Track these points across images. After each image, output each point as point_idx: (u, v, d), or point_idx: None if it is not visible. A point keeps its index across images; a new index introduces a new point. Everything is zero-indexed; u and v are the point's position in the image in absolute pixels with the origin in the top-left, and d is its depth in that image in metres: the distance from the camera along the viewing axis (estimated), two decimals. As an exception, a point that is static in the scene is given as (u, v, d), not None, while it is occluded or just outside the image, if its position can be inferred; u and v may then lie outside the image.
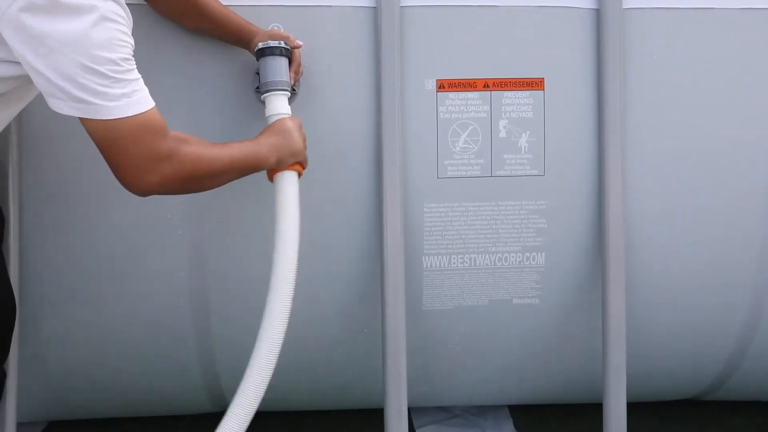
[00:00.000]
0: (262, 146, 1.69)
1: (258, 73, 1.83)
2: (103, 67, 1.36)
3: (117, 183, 1.89)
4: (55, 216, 1.93)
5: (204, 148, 1.58)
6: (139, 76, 1.46)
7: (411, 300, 2.03)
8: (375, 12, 1.90)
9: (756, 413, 2.54)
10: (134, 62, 1.44)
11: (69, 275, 1.97)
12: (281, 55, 1.79)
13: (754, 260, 2.07)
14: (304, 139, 1.77)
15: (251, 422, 2.44)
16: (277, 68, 1.79)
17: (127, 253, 1.96)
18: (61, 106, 1.39)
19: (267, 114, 1.79)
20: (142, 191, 1.53)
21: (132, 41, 1.44)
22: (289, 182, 1.75)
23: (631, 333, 2.02)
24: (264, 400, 2.30)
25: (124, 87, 1.41)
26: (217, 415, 2.38)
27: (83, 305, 2.00)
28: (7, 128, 1.86)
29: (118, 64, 1.39)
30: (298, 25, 1.88)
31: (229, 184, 1.85)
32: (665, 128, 1.99)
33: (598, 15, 1.95)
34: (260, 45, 1.79)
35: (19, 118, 1.85)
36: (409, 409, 2.28)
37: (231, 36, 1.85)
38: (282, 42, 1.79)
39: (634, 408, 2.15)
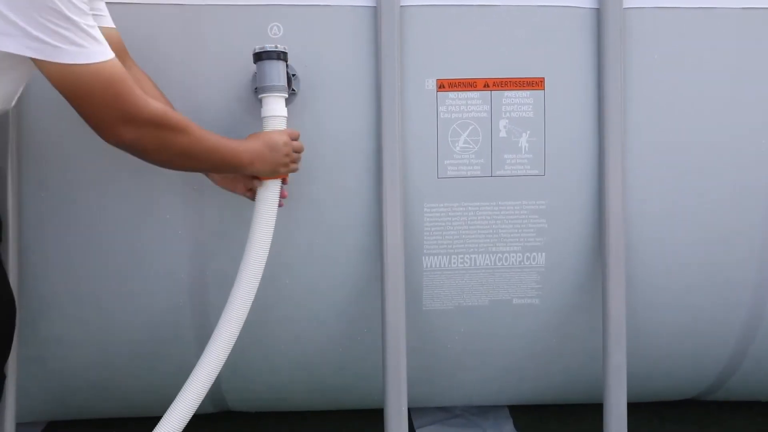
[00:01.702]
0: (245, 151, 1.71)
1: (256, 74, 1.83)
2: (65, 9, 1.35)
3: (117, 183, 1.91)
4: (55, 216, 1.93)
5: (184, 120, 1.60)
6: (95, 23, 1.44)
7: (411, 300, 2.03)
8: (375, 12, 1.90)
9: (756, 413, 2.54)
10: (89, 7, 1.43)
11: (68, 275, 1.97)
12: (278, 58, 1.79)
13: (754, 260, 2.07)
14: (289, 154, 1.78)
15: (251, 422, 2.45)
16: (274, 71, 1.79)
17: (127, 253, 1.96)
18: (12, 45, 1.36)
19: (263, 115, 1.80)
20: (118, 142, 1.53)
21: None
22: (271, 191, 1.79)
23: (631, 333, 2.03)
24: (264, 400, 2.32)
25: (86, 32, 1.40)
26: (218, 416, 2.39)
27: (83, 305, 2.00)
28: (6, 128, 1.85)
29: (77, 6, 1.37)
30: (298, 25, 1.88)
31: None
32: (665, 128, 1.99)
33: (599, 14, 1.95)
34: (257, 49, 1.79)
35: (19, 118, 1.85)
36: (409, 409, 2.28)
37: None
38: (278, 45, 1.79)
39: (634, 408, 2.15)
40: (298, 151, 1.82)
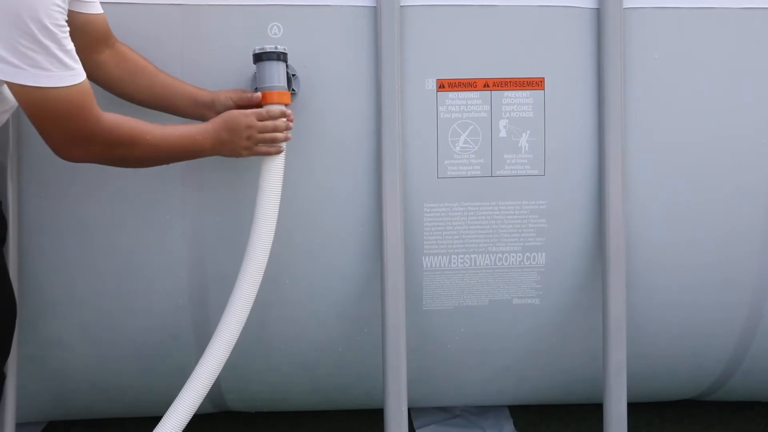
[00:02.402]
0: (205, 138, 1.72)
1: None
2: (38, 33, 1.38)
3: (116, 183, 1.91)
4: (55, 216, 1.93)
5: (136, 127, 1.63)
6: (72, 47, 1.48)
7: (411, 300, 2.03)
8: (375, 12, 1.90)
9: (756, 413, 2.54)
10: (68, 29, 1.46)
11: (68, 276, 1.97)
12: (278, 59, 1.79)
13: (754, 260, 2.07)
14: (251, 137, 1.76)
15: (251, 422, 2.45)
16: (274, 72, 1.79)
17: (127, 253, 1.96)
18: None
19: None
20: (71, 160, 1.59)
21: (66, 7, 1.46)
22: (272, 191, 1.79)
23: (631, 332, 2.03)
24: (264, 400, 2.32)
25: (55, 56, 1.43)
26: (218, 415, 2.39)
27: (83, 306, 2.00)
28: (7, 128, 1.85)
29: (50, 31, 1.40)
30: (298, 25, 1.88)
31: (229, 184, 1.86)
32: (665, 127, 1.98)
33: (599, 14, 1.95)
34: (257, 49, 1.79)
35: (19, 118, 1.85)
36: (409, 409, 2.28)
37: (185, 98, 1.82)
38: (278, 46, 1.79)
39: (634, 408, 2.15)
40: (271, 130, 1.78)
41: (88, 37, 1.72)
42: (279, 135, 1.79)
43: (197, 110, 1.82)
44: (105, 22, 1.76)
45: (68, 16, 1.63)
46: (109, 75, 1.80)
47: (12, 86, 1.45)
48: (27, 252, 1.94)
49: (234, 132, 1.74)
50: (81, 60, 1.74)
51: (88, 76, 1.78)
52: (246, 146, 1.76)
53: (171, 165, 1.86)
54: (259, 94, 1.80)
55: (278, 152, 1.81)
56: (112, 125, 1.58)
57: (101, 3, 1.73)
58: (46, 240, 1.94)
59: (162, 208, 1.93)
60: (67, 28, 1.46)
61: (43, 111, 1.48)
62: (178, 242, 1.95)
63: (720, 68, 1.99)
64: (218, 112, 1.80)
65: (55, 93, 1.45)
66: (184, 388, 1.71)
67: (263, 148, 1.79)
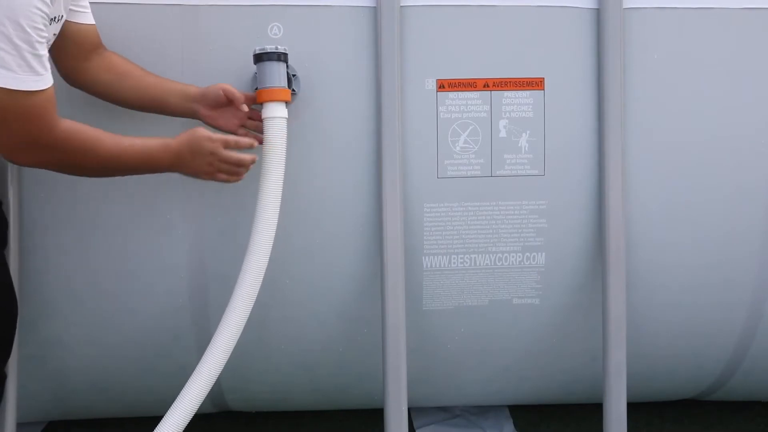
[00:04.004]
0: (165, 156, 1.70)
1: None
2: (13, 34, 1.38)
3: (117, 184, 1.91)
4: (55, 216, 1.93)
5: (92, 135, 1.61)
6: (46, 51, 1.47)
7: (411, 300, 2.03)
8: (375, 12, 1.90)
9: (756, 413, 2.54)
10: (45, 33, 1.45)
11: (69, 276, 1.97)
12: (278, 59, 1.79)
13: (754, 259, 2.07)
14: (212, 163, 1.72)
15: (251, 422, 2.45)
16: (275, 73, 1.79)
17: (127, 253, 1.96)
18: None
19: (263, 116, 1.80)
20: (18, 164, 1.60)
21: (50, 14, 1.46)
22: (273, 190, 1.77)
23: (631, 332, 2.03)
24: (264, 400, 2.32)
25: (25, 59, 1.42)
26: (218, 415, 2.39)
27: (83, 306, 2.00)
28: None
29: (26, 33, 1.40)
30: (298, 25, 1.88)
31: (229, 185, 1.86)
32: (665, 127, 1.98)
33: (599, 15, 1.95)
34: (257, 50, 1.79)
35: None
36: (409, 409, 2.28)
37: (174, 94, 1.81)
38: (278, 46, 1.79)
39: (634, 408, 2.15)
40: (234, 163, 1.75)
41: (78, 47, 1.74)
42: (241, 169, 1.77)
43: (187, 105, 1.81)
44: (96, 32, 1.77)
45: (63, 26, 1.63)
46: (97, 80, 1.79)
47: None
48: (28, 252, 1.94)
49: (196, 154, 1.72)
50: (69, 68, 1.76)
51: (76, 83, 1.80)
52: (206, 171, 1.74)
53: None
54: (249, 93, 1.80)
55: (237, 180, 1.78)
56: (68, 133, 1.57)
57: (101, 3, 1.74)
58: (47, 240, 1.94)
59: (163, 209, 1.93)
60: (46, 35, 1.46)
61: (1, 112, 1.46)
62: (178, 242, 1.95)
63: (720, 68, 1.98)
64: (209, 105, 1.79)
65: (17, 96, 1.44)
66: (185, 388, 1.71)
67: (223, 176, 1.76)
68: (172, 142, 1.71)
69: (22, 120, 1.48)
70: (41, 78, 1.47)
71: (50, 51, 1.61)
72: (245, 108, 1.79)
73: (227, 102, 1.79)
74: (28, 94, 1.46)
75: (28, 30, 1.41)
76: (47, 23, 1.46)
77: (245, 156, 1.76)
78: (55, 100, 1.54)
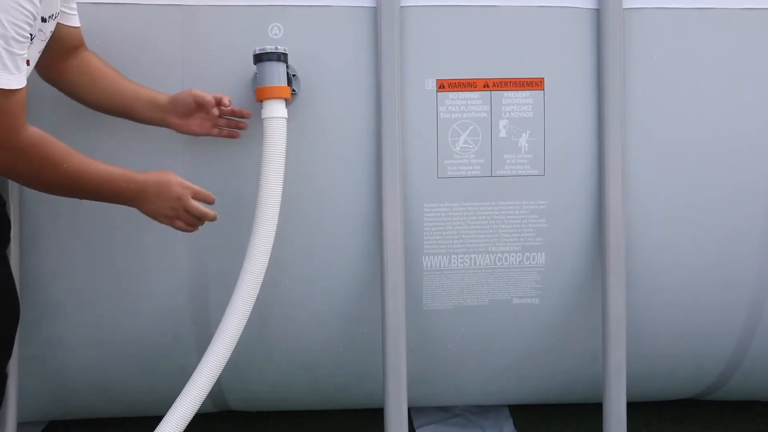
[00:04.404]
0: (128, 188, 1.66)
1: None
2: None
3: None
4: (56, 217, 1.93)
5: (58, 149, 1.56)
6: (25, 52, 1.44)
7: (411, 300, 2.03)
8: (375, 12, 1.90)
9: (756, 413, 2.54)
10: (28, 35, 1.42)
11: (69, 276, 1.97)
12: (278, 60, 1.79)
13: (754, 259, 2.07)
14: (176, 208, 1.70)
15: (252, 422, 2.45)
16: (275, 73, 1.79)
17: (127, 253, 1.96)
18: None
19: (263, 117, 1.80)
20: None
21: (36, 14, 1.43)
22: (273, 190, 1.76)
23: (631, 332, 2.03)
24: (264, 400, 2.32)
25: (5, 57, 1.39)
26: (218, 415, 2.39)
27: (84, 306, 2.00)
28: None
29: (5, 31, 1.37)
30: (298, 25, 1.89)
31: (229, 185, 1.86)
32: (665, 127, 1.99)
33: (598, 15, 1.95)
34: (257, 50, 1.79)
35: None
36: (409, 409, 2.28)
37: (143, 101, 1.79)
38: (278, 46, 1.79)
39: (634, 408, 2.15)
40: (197, 215, 1.73)
41: (59, 46, 1.72)
42: (200, 223, 1.75)
43: (156, 114, 1.79)
44: (80, 34, 1.76)
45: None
46: (71, 80, 1.77)
47: None
48: (29, 253, 1.94)
49: (162, 196, 1.69)
50: (46, 66, 1.71)
51: (49, 79, 1.77)
52: (166, 215, 1.71)
53: (172, 166, 1.87)
54: (218, 94, 1.78)
55: (193, 231, 1.76)
56: (34, 141, 1.52)
57: (101, 3, 1.74)
58: (48, 241, 1.94)
59: (162, 208, 1.93)
60: (27, 36, 1.43)
61: None
62: (178, 243, 1.95)
63: (720, 68, 1.99)
64: (179, 113, 1.78)
65: None
66: (186, 388, 1.71)
67: (180, 224, 1.73)
68: (139, 176, 1.68)
69: None
70: (12, 78, 1.43)
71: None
72: (216, 112, 1.78)
73: (197, 107, 1.78)
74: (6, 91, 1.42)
75: (6, 25, 1.37)
76: (31, 22, 1.43)
77: (209, 212, 1.74)
78: (25, 104, 1.49)
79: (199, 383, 1.71)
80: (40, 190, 1.66)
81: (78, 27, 1.75)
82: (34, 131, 1.53)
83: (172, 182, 1.70)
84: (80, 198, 1.70)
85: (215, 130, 1.83)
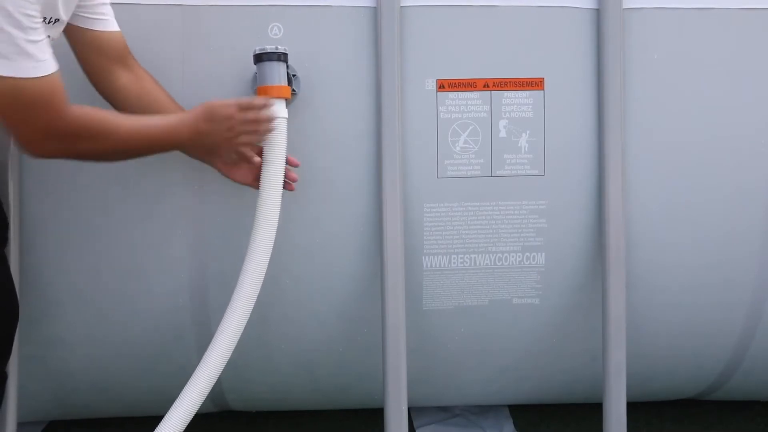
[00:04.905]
0: (184, 128, 1.66)
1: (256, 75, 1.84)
2: (2, 21, 1.36)
3: (117, 184, 1.91)
4: (56, 216, 1.93)
5: (106, 119, 1.58)
6: (44, 37, 1.44)
7: (411, 300, 2.03)
8: (375, 12, 1.90)
9: (756, 413, 2.54)
10: (40, 20, 1.43)
11: (69, 275, 1.97)
12: (279, 60, 1.79)
13: (754, 259, 2.07)
14: (232, 128, 1.69)
15: (253, 422, 2.45)
16: (275, 73, 1.79)
17: (128, 253, 1.96)
18: None
19: None
20: (36, 156, 1.55)
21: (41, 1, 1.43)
22: (273, 188, 1.76)
23: (631, 332, 2.03)
24: (264, 400, 2.32)
25: (19, 46, 1.39)
26: (218, 415, 2.39)
27: (83, 305, 2.00)
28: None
29: (15, 19, 1.37)
30: (298, 25, 1.89)
31: (230, 184, 1.86)
32: (665, 127, 1.99)
33: (598, 15, 1.95)
34: (257, 50, 1.79)
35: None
36: (409, 409, 2.28)
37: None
38: (278, 46, 1.79)
39: (634, 408, 2.15)
40: (253, 121, 1.71)
41: (103, 57, 1.71)
42: (260, 128, 1.73)
43: (204, 154, 1.80)
44: (121, 40, 1.74)
45: (78, 33, 1.63)
46: (129, 103, 1.76)
47: None
48: (28, 252, 1.94)
49: (214, 123, 1.68)
50: (95, 78, 1.72)
51: (104, 95, 1.76)
52: (227, 137, 1.69)
53: (172, 165, 1.87)
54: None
55: (260, 141, 1.75)
56: (81, 119, 1.54)
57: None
58: (48, 240, 1.94)
59: (163, 208, 1.93)
60: (39, 20, 1.43)
61: (6, 102, 1.44)
62: (179, 242, 1.95)
63: (720, 68, 1.99)
64: (224, 161, 1.79)
65: (20, 84, 1.41)
66: (185, 388, 1.71)
67: (246, 138, 1.72)
68: (186, 115, 1.68)
69: (28, 109, 1.45)
70: (41, 63, 1.44)
71: (78, 60, 1.58)
72: (257, 160, 1.78)
73: (242, 159, 1.79)
74: (31, 81, 1.43)
75: (17, 16, 1.37)
76: (37, 8, 1.42)
77: (260, 111, 1.72)
78: (61, 88, 1.50)
79: (199, 384, 1.71)
80: (106, 161, 1.69)
81: (116, 31, 1.73)
82: (77, 109, 1.54)
83: (215, 106, 1.69)
84: (140, 156, 1.70)
85: (256, 183, 1.81)
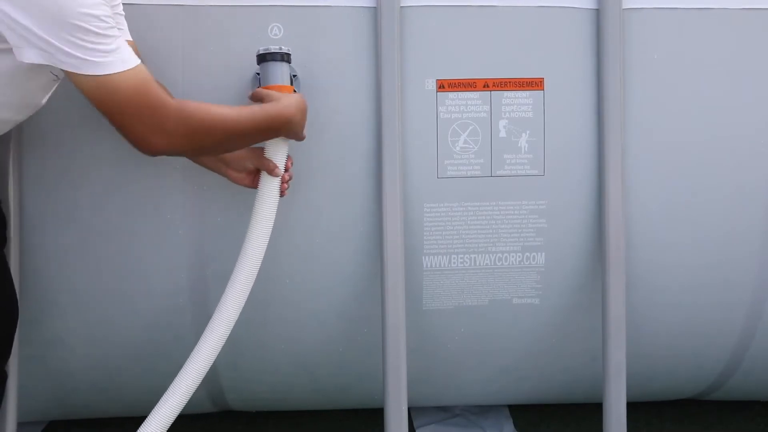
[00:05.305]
0: (281, 116, 1.70)
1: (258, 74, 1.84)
2: (87, 24, 1.39)
3: (116, 183, 1.91)
4: (56, 216, 1.93)
5: (209, 110, 1.61)
6: (115, 33, 1.47)
7: (411, 300, 2.03)
8: (375, 12, 1.90)
9: (756, 413, 2.54)
10: (108, 17, 1.45)
11: (69, 275, 1.97)
12: (282, 60, 1.79)
13: (754, 259, 2.07)
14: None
15: (253, 422, 2.46)
16: (278, 73, 1.79)
17: (128, 252, 1.96)
18: (49, 59, 1.41)
19: None
20: (153, 152, 1.57)
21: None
22: (271, 186, 1.79)
23: (631, 332, 2.03)
24: (264, 400, 2.32)
25: (111, 43, 1.43)
26: (218, 415, 2.40)
27: (83, 305, 2.00)
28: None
29: (102, 20, 1.41)
30: (298, 26, 1.89)
31: (230, 184, 1.86)
32: (665, 128, 1.99)
33: (598, 15, 1.95)
34: (261, 50, 1.79)
35: (19, 118, 1.85)
36: (409, 409, 2.28)
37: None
38: (282, 47, 1.79)
39: (634, 408, 2.15)
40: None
41: None
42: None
43: (211, 163, 1.82)
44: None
45: None
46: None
47: (82, 82, 1.45)
48: (28, 252, 1.94)
49: (304, 113, 1.76)
50: None
51: None
52: (303, 127, 1.78)
53: (172, 165, 1.87)
54: (285, 174, 1.82)
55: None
56: (185, 110, 1.57)
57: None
58: (47, 240, 1.94)
59: (163, 208, 1.93)
60: (109, 18, 1.45)
61: (107, 103, 1.47)
62: (178, 242, 1.95)
63: (720, 68, 1.99)
64: (234, 169, 1.81)
65: (114, 80, 1.45)
66: (172, 385, 1.71)
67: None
68: (281, 107, 1.71)
69: (129, 104, 1.48)
70: (130, 54, 1.47)
71: None
72: (279, 171, 1.81)
73: (257, 168, 1.81)
74: (132, 71, 1.46)
75: (101, 16, 1.41)
76: (109, 9, 1.45)
77: None
78: (153, 77, 1.53)
79: (186, 381, 1.71)
80: (210, 153, 1.74)
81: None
82: (180, 104, 1.57)
83: (302, 100, 1.77)
84: (237, 149, 1.75)
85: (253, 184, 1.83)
